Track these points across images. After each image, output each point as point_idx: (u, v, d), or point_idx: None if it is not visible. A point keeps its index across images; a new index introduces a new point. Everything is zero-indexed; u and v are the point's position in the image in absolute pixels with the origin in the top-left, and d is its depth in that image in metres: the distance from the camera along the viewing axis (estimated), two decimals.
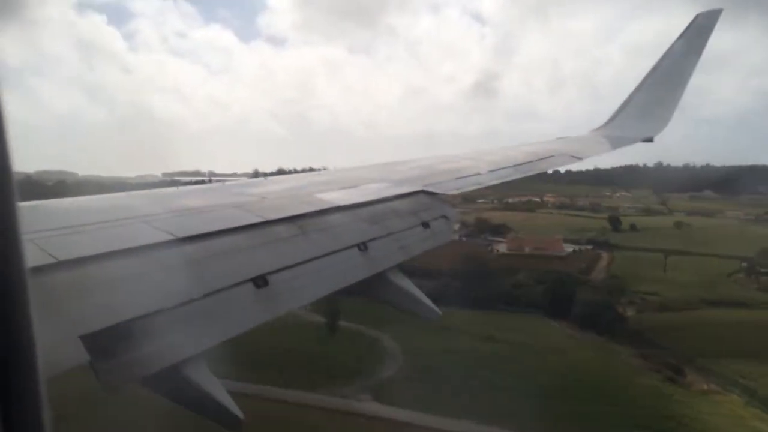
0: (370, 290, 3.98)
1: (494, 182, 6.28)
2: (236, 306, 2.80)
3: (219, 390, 2.48)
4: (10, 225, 0.98)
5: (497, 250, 78.94)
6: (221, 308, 2.71)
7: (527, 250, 77.03)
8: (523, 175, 6.74)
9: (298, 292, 3.22)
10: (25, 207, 2.85)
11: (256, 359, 36.85)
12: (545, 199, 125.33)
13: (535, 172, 6.99)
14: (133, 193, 3.79)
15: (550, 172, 7.55)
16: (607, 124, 10.12)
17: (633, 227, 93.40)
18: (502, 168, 6.67)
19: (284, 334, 42.87)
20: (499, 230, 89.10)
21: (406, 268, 4.18)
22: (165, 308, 2.44)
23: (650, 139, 9.53)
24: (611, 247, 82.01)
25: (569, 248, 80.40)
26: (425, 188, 5.37)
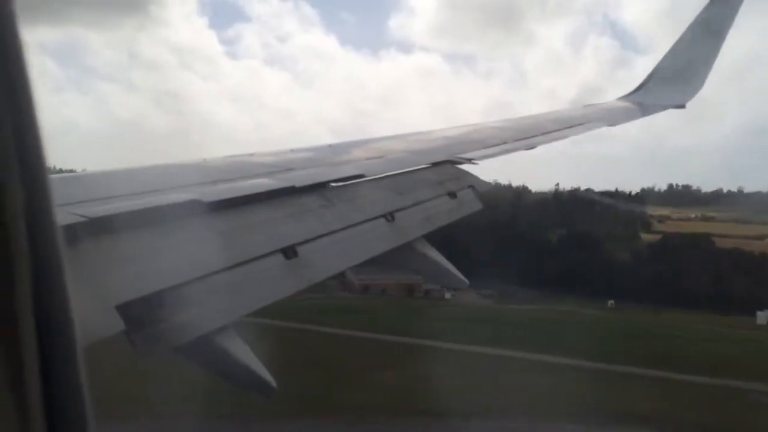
0: (399, 260, 3.97)
1: (522, 150, 6.16)
2: (267, 277, 2.80)
3: (252, 359, 2.49)
4: (43, 194, 0.96)
5: None
6: (252, 279, 2.71)
7: None
8: (552, 142, 6.59)
9: (327, 263, 3.21)
10: (56, 178, 2.86)
11: None
12: None
13: (565, 138, 6.83)
14: (165, 164, 3.78)
15: (578, 136, 7.26)
16: (636, 90, 9.81)
17: None
18: (531, 137, 6.52)
19: None
20: None
21: None
22: (195, 278, 2.43)
23: (682, 106, 9.24)
24: None
25: None
26: (452, 158, 5.29)
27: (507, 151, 5.96)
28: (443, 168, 5.13)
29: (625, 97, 9.50)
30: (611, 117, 8.09)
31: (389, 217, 3.93)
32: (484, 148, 5.83)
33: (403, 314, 64.76)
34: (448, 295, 79.10)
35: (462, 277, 4.12)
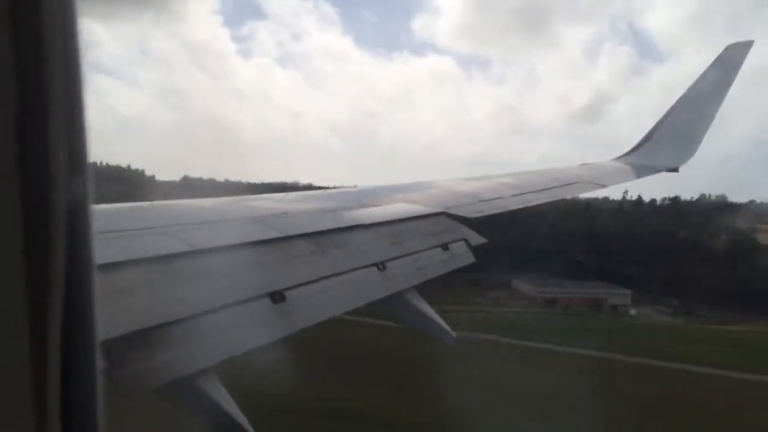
0: (387, 310, 3.95)
1: (517, 206, 6.24)
2: (252, 320, 2.79)
3: (230, 404, 2.46)
4: (84, 223, 0.98)
5: None
6: (237, 322, 2.70)
7: None
8: (547, 200, 6.70)
9: (315, 309, 3.20)
10: None
11: None
12: None
13: (559, 197, 6.94)
14: (153, 203, 3.82)
15: (568, 197, 7.51)
16: (631, 152, 10.02)
17: None
18: (526, 192, 6.63)
19: None
20: None
21: None
22: (180, 319, 2.43)
23: (675, 169, 9.41)
24: None
25: None
26: (447, 210, 5.35)
27: (502, 207, 6.03)
28: (438, 219, 5.18)
29: (621, 158, 9.69)
30: (605, 178, 8.23)
31: (381, 266, 3.94)
32: (480, 201, 5.90)
33: (650, 335, 61.16)
34: (633, 312, 77.75)
35: (450, 329, 4.09)
